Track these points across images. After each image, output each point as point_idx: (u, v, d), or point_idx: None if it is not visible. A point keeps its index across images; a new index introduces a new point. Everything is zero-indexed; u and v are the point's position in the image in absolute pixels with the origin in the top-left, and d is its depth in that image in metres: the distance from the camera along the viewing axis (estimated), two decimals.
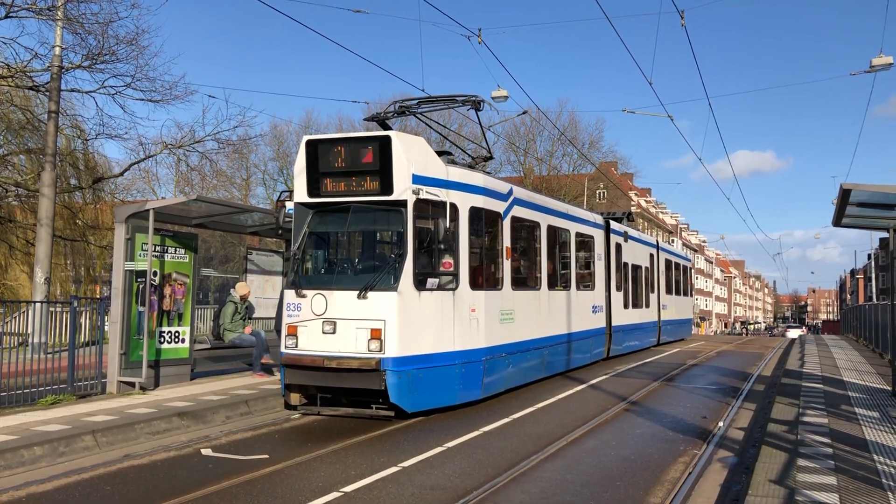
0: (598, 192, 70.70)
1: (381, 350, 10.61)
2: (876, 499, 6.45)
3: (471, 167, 13.31)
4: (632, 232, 24.08)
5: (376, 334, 10.63)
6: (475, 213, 12.32)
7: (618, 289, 21.55)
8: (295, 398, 11.73)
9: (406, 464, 8.54)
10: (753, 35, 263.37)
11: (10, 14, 19.95)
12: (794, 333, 61.30)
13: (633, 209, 76.17)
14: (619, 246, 21.93)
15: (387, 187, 11.08)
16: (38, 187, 20.72)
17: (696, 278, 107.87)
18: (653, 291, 26.56)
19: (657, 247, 28.14)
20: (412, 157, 11.19)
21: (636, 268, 24.26)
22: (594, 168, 59.63)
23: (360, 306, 10.76)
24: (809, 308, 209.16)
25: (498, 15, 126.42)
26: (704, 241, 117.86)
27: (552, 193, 55.14)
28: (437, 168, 11.66)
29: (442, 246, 11.40)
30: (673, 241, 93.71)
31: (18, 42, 47.74)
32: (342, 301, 10.93)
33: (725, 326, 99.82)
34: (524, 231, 15.18)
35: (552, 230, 16.39)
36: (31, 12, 20.17)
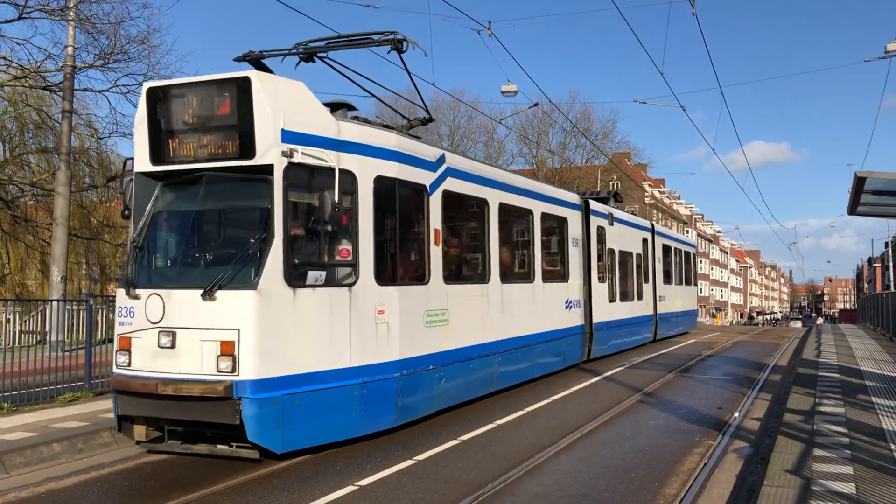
0: (611, 183, 70.43)
1: (233, 370, 7.75)
2: (893, 488, 6.40)
3: (389, 127, 10.46)
4: (619, 214, 21.06)
5: (228, 349, 7.79)
6: (384, 184, 9.56)
7: (601, 280, 18.70)
8: (139, 432, 8.78)
9: (421, 457, 8.57)
10: (766, 23, 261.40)
11: (24, 15, 20.08)
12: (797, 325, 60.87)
13: (647, 200, 75.89)
14: (601, 230, 18.99)
15: (247, 148, 8.30)
16: (54, 186, 20.87)
17: (711, 269, 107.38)
18: (647, 281, 23.73)
19: (652, 230, 25.01)
20: (282, 106, 8.37)
21: (625, 255, 21.34)
22: (607, 159, 59.38)
23: (207, 311, 7.93)
24: (826, 297, 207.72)
25: (507, 7, 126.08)
26: (719, 232, 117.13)
27: (565, 185, 55.20)
28: (323, 123, 8.89)
29: (330, 227, 8.57)
30: (688, 231, 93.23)
31: (32, 43, 48.17)
32: (183, 304, 8.08)
33: (741, 317, 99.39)
34: (465, 210, 12.41)
35: (506, 210, 13.38)
36: (44, 13, 20.29)
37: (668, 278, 26.97)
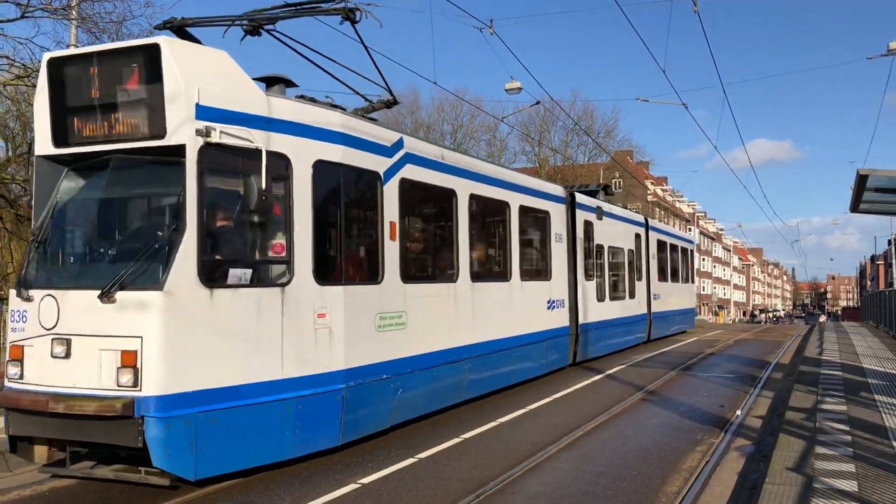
0: (613, 181, 70.36)
1: (135, 385, 6.65)
2: (895, 485, 6.41)
3: (337, 107, 9.17)
4: (609, 207, 19.79)
5: (129, 360, 6.70)
6: (327, 170, 8.40)
7: (588, 277, 17.49)
8: (40, 453, 7.52)
9: (422, 455, 8.58)
10: (768, 21, 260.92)
11: (26, 14, 20.10)
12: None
13: (650, 198, 75.78)
14: (589, 224, 17.73)
15: (156, 126, 7.16)
16: None
17: (714, 267, 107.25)
18: (640, 279, 22.39)
19: (646, 226, 23.78)
20: (199, 78, 7.23)
21: (616, 251, 20.16)
22: (609, 157, 59.33)
23: (106, 315, 6.82)
24: (829, 295, 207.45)
25: (509, 5, 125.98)
26: (722, 230, 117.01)
27: (567, 183, 55.30)
28: (249, 98, 7.70)
29: (257, 218, 7.46)
30: (690, 229, 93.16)
31: (34, 42, 48.16)
32: (80, 307, 6.97)
33: (744, 315, 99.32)
34: (429, 201, 11.31)
35: (479, 202, 12.19)
36: (46, 12, 20.30)
37: (663, 275, 25.76)
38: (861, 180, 11.27)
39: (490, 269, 13.11)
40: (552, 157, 60.37)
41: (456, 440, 9.37)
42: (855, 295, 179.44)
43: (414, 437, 9.50)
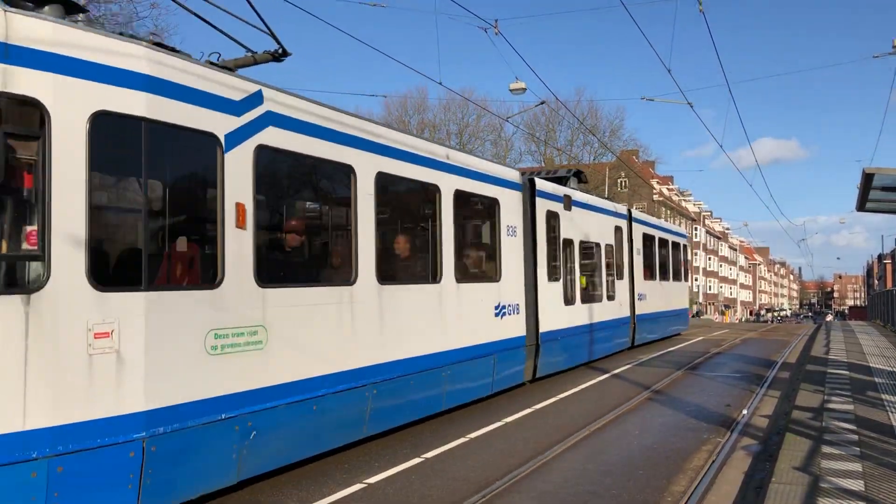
0: (619, 180, 70.34)
1: None
2: None
3: (138, 38, 6.85)
4: (581, 196, 17.10)
5: None
6: (118, 127, 6.12)
7: (553, 277, 14.82)
8: None
9: (428, 455, 8.59)
10: (773, 19, 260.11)
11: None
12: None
13: (656, 197, 75.64)
14: (553, 216, 15.00)
15: None
16: None
17: (720, 266, 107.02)
18: (621, 278, 19.74)
19: (629, 218, 21.04)
20: None
21: (590, 247, 17.57)
22: (615, 157, 59.27)
23: None
24: (836, 294, 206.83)
25: (514, 5, 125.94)
26: (728, 229, 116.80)
27: None
28: None
29: None
30: (696, 228, 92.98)
31: None
32: None
33: (751, 314, 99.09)
34: (308, 178, 9.03)
35: (390, 183, 9.67)
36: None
37: (650, 273, 23.09)
38: (867, 179, 11.26)
39: (409, 269, 10.55)
40: (558, 157, 60.34)
41: (462, 440, 9.38)
42: (862, 294, 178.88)
43: (419, 437, 9.51)
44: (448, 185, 10.96)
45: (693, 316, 67.50)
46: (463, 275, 11.38)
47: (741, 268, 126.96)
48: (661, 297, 24.06)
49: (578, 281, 16.45)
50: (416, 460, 8.37)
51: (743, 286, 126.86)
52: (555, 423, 10.57)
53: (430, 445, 9.03)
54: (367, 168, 9.02)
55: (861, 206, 13.40)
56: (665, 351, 21.04)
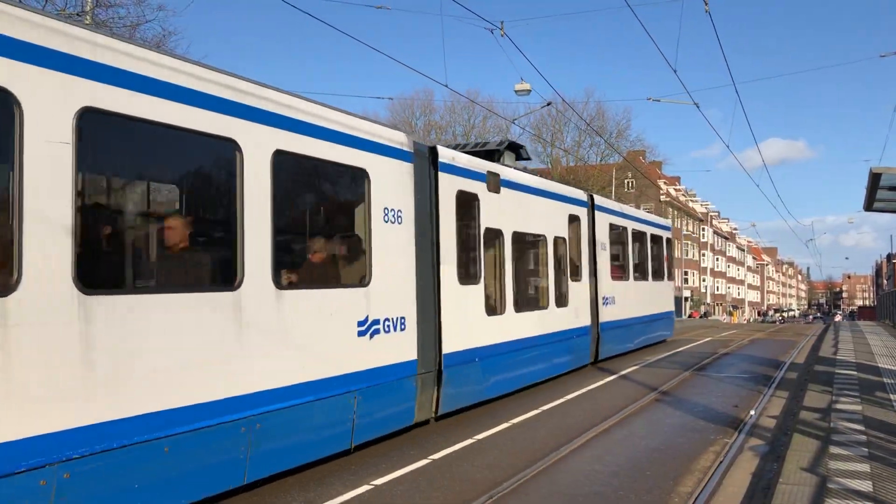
0: (626, 181, 70.26)
1: None
2: None
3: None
4: (515, 175, 13.29)
5: None
6: None
7: (468, 279, 11.23)
8: None
9: (436, 456, 8.60)
10: (780, 19, 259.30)
11: None
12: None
13: (663, 198, 75.54)
14: (469, 199, 11.46)
15: None
16: None
17: (728, 266, 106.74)
18: (577, 279, 16.01)
19: (589, 205, 17.24)
20: None
21: (531, 240, 14.02)
22: (622, 157, 59.21)
23: None
24: (845, 294, 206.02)
25: (520, 7, 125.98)
26: (735, 229, 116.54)
27: (579, 185, 55.30)
28: None
29: None
30: (704, 229, 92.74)
31: None
32: None
33: (759, 315, 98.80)
34: None
35: (117, 128, 6.18)
36: (61, 18, 20.59)
37: (621, 272, 19.39)
38: (874, 179, 11.23)
39: (169, 271, 7.01)
40: (564, 158, 60.35)
41: (469, 441, 9.39)
42: (871, 294, 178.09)
43: (426, 439, 9.52)
44: (258, 140, 7.39)
45: (701, 317, 67.40)
46: (294, 277, 7.98)
47: (749, 268, 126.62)
48: (637, 299, 20.29)
49: (511, 283, 12.63)
50: (424, 461, 8.38)
51: (751, 286, 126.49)
52: (562, 423, 10.56)
53: (438, 446, 9.04)
54: (61, 102, 5.58)
55: (869, 206, 13.36)
56: (673, 352, 21.00)
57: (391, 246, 9.40)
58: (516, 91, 25.45)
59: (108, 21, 20.81)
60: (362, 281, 8.85)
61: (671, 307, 24.67)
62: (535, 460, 8.32)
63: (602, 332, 17.20)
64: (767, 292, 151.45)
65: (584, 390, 13.51)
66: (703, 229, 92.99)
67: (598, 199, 18.07)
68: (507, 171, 12.96)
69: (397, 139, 9.83)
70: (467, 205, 11.48)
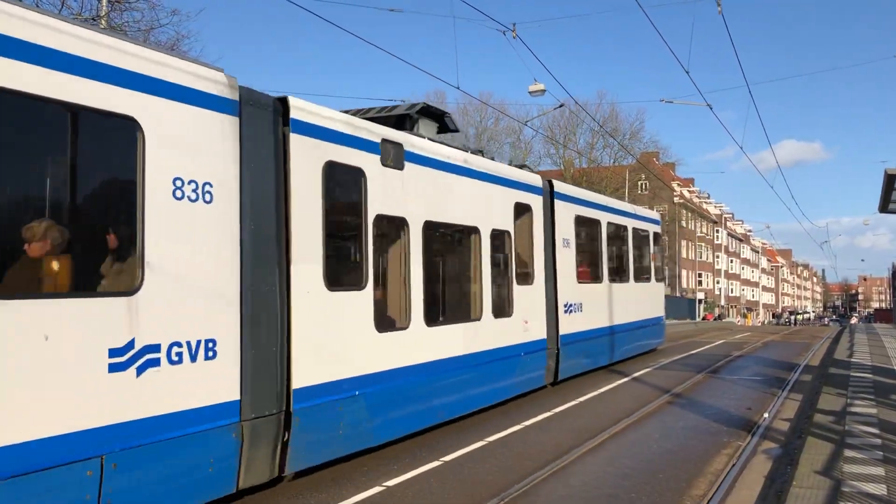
0: (640, 183, 70.06)
1: None
2: None
3: None
4: (428, 148, 10.27)
5: None
6: None
7: (346, 284, 8.54)
8: None
9: (447, 458, 8.61)
10: (794, 20, 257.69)
11: None
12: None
13: (676, 199, 75.24)
14: (354, 177, 8.71)
15: None
16: None
17: (742, 269, 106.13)
18: (527, 282, 12.83)
19: (547, 193, 14.04)
20: None
21: (453, 234, 11.19)
22: (635, 159, 59.02)
23: None
24: (861, 296, 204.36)
25: (532, 8, 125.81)
26: (750, 231, 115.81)
27: (592, 186, 55.13)
28: None
29: None
30: (718, 230, 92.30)
31: None
32: None
33: (773, 317, 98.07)
34: None
35: None
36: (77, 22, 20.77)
37: (592, 273, 16.27)
38: (889, 180, 11.15)
39: None
40: (577, 160, 60.24)
41: (480, 443, 9.39)
42: (888, 296, 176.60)
43: (438, 441, 9.52)
44: None
45: (715, 319, 67.02)
46: None
47: (763, 270, 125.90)
48: (614, 305, 17.13)
49: (420, 289, 9.67)
50: (435, 463, 8.39)
51: (766, 289, 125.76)
52: (574, 426, 10.54)
53: (450, 448, 9.05)
54: None
55: (884, 208, 13.26)
56: (686, 354, 20.91)
57: (187, 234, 6.45)
58: (530, 92, 25.44)
59: (122, 25, 20.98)
60: (124, 286, 5.89)
61: (661, 312, 21.38)
62: (547, 462, 8.31)
63: (563, 346, 14.01)
64: (782, 294, 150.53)
65: (595, 392, 13.47)
66: (717, 231, 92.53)
67: (560, 186, 14.78)
68: (416, 142, 9.88)
69: (205, 77, 6.79)
70: (346, 183, 8.57)
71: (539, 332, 13.16)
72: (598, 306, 16.21)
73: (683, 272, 79.19)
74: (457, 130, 12.32)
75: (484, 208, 11.52)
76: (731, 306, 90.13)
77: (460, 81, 49.18)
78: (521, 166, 14.74)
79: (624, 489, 7.34)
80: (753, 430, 10.12)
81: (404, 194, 9.39)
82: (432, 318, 9.99)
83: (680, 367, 17.55)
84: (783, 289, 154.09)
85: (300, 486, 7.53)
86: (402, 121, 10.89)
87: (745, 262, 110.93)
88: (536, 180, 13.61)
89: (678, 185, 78.81)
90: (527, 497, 7.13)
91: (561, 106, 29.66)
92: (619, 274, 18.08)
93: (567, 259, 14.59)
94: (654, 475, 7.85)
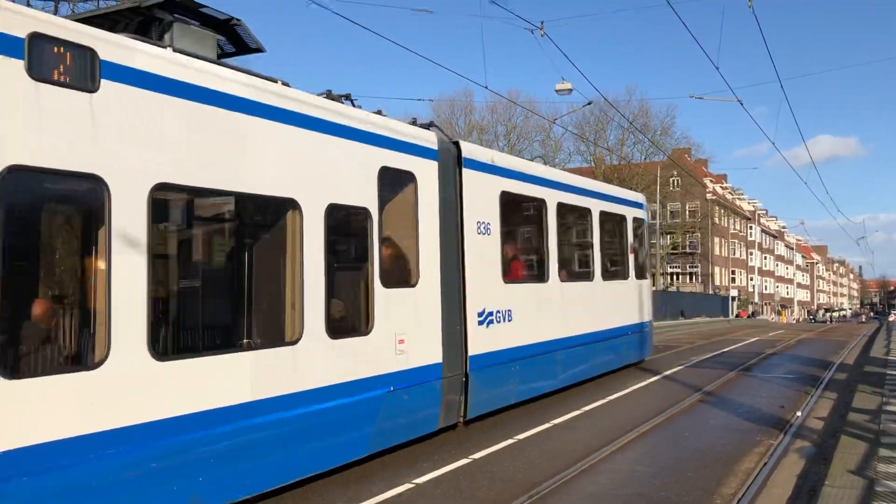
0: (671, 179, 69.46)
1: None
2: None
3: None
4: (153, 56, 6.07)
5: None
6: None
7: None
8: None
9: (476, 456, 8.63)
10: (826, 12, 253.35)
11: None
12: None
13: (709, 196, 74.46)
14: None
15: None
16: None
17: (776, 265, 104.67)
18: (408, 283, 9.02)
19: (445, 156, 9.89)
20: None
21: (233, 208, 7.37)
22: (666, 156, 58.53)
23: None
24: None
25: (559, 7, 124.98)
26: (784, 227, 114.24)
27: (623, 183, 54.82)
28: None
29: None
30: (751, 227, 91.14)
31: None
32: None
33: (808, 314, 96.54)
34: None
35: None
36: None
37: (530, 271, 12.57)
38: None
39: None
40: (608, 157, 59.93)
41: (510, 441, 9.40)
42: None
43: (468, 439, 9.55)
44: None
45: (748, 316, 66.29)
46: None
47: (798, 267, 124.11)
48: (569, 311, 12.94)
49: (140, 299, 5.74)
50: (465, 461, 8.42)
51: (800, 285, 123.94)
52: (603, 424, 10.51)
53: (479, 446, 9.06)
54: None
55: None
56: (718, 352, 20.73)
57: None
58: (557, 90, 25.37)
59: None
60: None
61: (645, 317, 16.80)
62: (576, 461, 8.30)
63: (476, 371, 9.98)
64: (817, 291, 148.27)
65: (626, 391, 13.40)
66: (751, 227, 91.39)
67: (474, 150, 10.71)
68: (140, 49, 5.96)
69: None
70: None
71: (427, 353, 9.09)
72: (542, 314, 12.06)
73: (716, 269, 78.35)
74: (261, 50, 8.14)
75: (314, 172, 7.55)
76: (765, 303, 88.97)
77: (489, 80, 49.16)
78: (413, 121, 10.16)
79: (654, 487, 7.30)
80: (786, 428, 10.01)
81: (94, 135, 5.51)
82: (172, 346, 6.63)
83: (712, 365, 17.39)
84: (818, 286, 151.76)
85: (329, 483, 7.59)
86: (146, 24, 6.96)
87: (780, 258, 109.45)
88: (425, 139, 9.50)
89: (710, 181, 77.97)
90: (556, 495, 7.13)
91: (589, 104, 29.52)
92: (576, 271, 14.17)
93: (486, 251, 10.58)
94: (684, 473, 7.81)
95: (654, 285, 21.42)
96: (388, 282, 8.51)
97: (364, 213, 8.25)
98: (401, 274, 9.03)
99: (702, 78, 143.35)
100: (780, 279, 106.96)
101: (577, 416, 11.07)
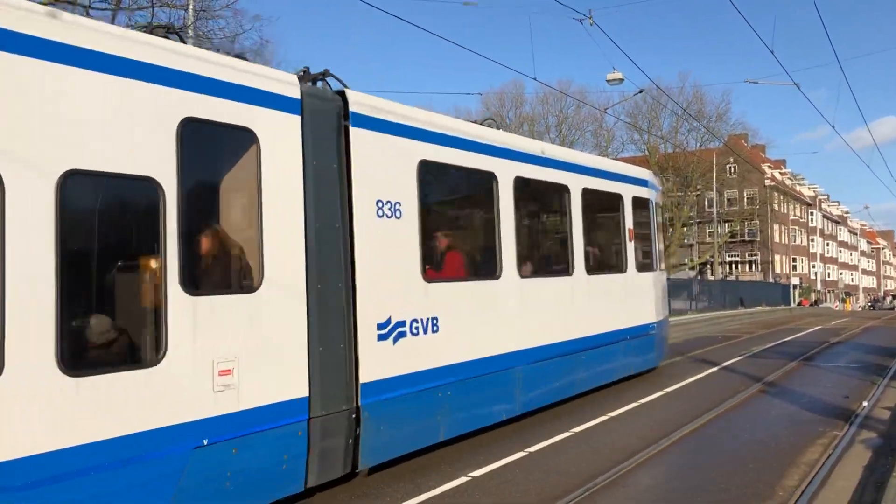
0: (728, 166, 68.09)
1: None
2: None
3: None
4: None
5: None
6: None
7: None
8: None
9: (533, 449, 8.64)
10: None
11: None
12: None
13: (767, 182, 72.73)
14: None
15: None
16: None
17: (840, 252, 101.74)
18: (237, 287, 6.42)
19: (310, 107, 6.93)
20: None
21: None
22: (722, 142, 57.36)
23: None
24: None
25: None
26: (847, 213, 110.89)
27: (678, 171, 53.64)
28: None
29: None
30: (812, 213, 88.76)
31: None
32: None
33: (872, 302, 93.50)
34: None
35: None
36: (167, 31, 21.59)
37: (472, 265, 9.76)
38: None
39: None
40: (662, 145, 59.02)
41: (567, 433, 9.37)
42: None
43: (527, 431, 9.54)
44: None
45: (811, 304, 64.61)
46: None
47: (863, 253, 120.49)
48: (531, 315, 10.03)
49: None
50: (521, 454, 8.43)
51: (865, 272, 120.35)
52: (660, 417, 10.40)
53: (536, 439, 9.05)
54: None
55: None
56: (779, 342, 20.30)
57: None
58: (608, 81, 25.10)
59: (208, 33, 21.71)
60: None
61: (651, 317, 13.68)
62: (633, 453, 8.23)
63: (374, 404, 7.31)
64: (884, 277, 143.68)
65: (683, 383, 13.23)
66: (812, 214, 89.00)
67: (374, 105, 7.77)
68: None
69: None
70: None
71: (278, 387, 6.40)
72: (490, 320, 9.22)
73: (776, 257, 76.57)
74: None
75: (35, 125, 4.92)
76: (829, 291, 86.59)
77: (539, 71, 48.89)
78: (305, 70, 7.86)
79: (711, 480, 7.21)
80: (851, 418, 9.76)
81: None
82: None
83: (773, 355, 17.04)
84: (885, 272, 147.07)
85: (387, 476, 7.69)
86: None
87: (843, 244, 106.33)
88: (276, 79, 6.76)
89: (769, 167, 76.16)
90: (612, 487, 7.10)
91: (641, 91, 29.11)
92: (546, 263, 11.24)
93: (395, 240, 7.87)
94: (744, 465, 7.69)
95: (668, 276, 16.62)
96: (197, 286, 5.87)
97: (147, 184, 5.56)
98: (225, 274, 6.44)
99: (757, 62, 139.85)
100: (844, 266, 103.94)
101: (635, 409, 10.97)
